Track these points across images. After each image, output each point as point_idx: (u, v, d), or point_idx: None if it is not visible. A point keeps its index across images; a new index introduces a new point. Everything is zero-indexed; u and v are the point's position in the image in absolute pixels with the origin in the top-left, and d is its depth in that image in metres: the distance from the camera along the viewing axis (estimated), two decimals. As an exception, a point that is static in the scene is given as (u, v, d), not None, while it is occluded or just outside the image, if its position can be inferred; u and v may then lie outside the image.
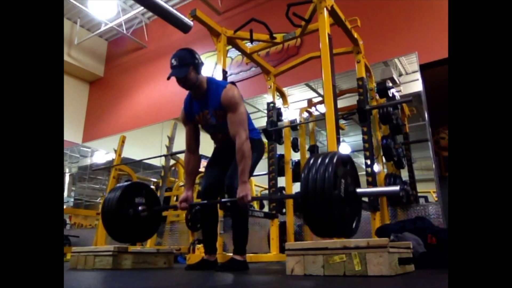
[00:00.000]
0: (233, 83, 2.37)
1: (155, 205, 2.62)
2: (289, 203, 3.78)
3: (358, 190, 1.70)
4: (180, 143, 4.59)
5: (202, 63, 2.32)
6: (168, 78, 2.26)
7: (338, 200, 1.57)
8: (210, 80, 2.37)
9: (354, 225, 1.71)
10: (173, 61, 2.27)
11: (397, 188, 1.75)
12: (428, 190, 4.65)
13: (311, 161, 1.65)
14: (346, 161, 1.71)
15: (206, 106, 2.33)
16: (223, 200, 2.34)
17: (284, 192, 3.97)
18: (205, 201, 2.36)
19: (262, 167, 4.02)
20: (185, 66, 2.24)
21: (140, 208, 2.49)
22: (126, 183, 2.59)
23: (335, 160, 1.59)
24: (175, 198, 5.32)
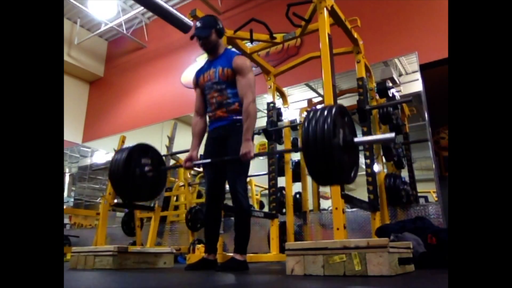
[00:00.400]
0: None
1: (160, 165, 2.69)
2: (289, 203, 3.78)
3: (356, 139, 1.75)
4: (180, 143, 4.59)
5: (223, 29, 2.55)
6: (192, 38, 2.47)
7: (337, 148, 1.62)
8: (227, 48, 2.61)
9: (352, 173, 1.75)
10: (198, 23, 2.48)
11: (392, 134, 1.82)
12: (428, 190, 4.65)
13: (311, 113, 1.70)
14: (344, 113, 1.77)
15: (215, 65, 2.49)
16: (226, 158, 2.37)
17: (284, 192, 3.97)
18: (208, 160, 2.41)
19: (262, 167, 4.02)
20: (209, 28, 2.46)
21: (146, 168, 2.54)
22: (132, 145, 2.62)
23: (333, 111, 1.65)
24: (175, 198, 5.32)
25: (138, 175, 2.50)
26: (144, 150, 2.61)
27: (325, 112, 1.65)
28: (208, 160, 2.42)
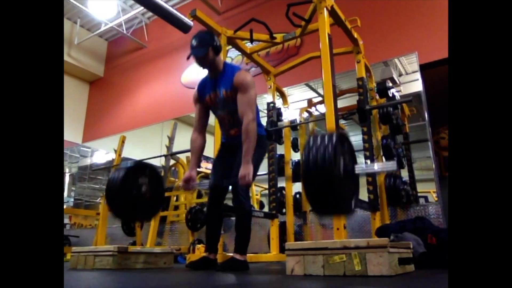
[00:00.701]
0: (247, 71, 2.44)
1: (158, 186, 2.65)
2: (289, 203, 3.78)
3: (357, 168, 1.74)
4: (180, 143, 4.59)
5: (220, 46, 2.44)
6: (188, 58, 2.39)
7: (338, 177, 1.61)
8: (226, 63, 2.49)
9: (353, 203, 1.74)
10: (193, 41, 2.37)
11: (394, 163, 1.81)
12: (428, 190, 4.65)
13: (311, 141, 1.69)
14: (344, 140, 1.75)
15: (218, 86, 2.42)
16: (225, 181, 2.36)
17: (284, 192, 3.97)
18: (206, 185, 2.42)
19: (262, 167, 4.02)
20: (205, 46, 2.34)
21: (143, 188, 2.52)
22: (130, 163, 2.61)
23: (334, 139, 1.63)
24: (175, 198, 5.32)
25: (135, 195, 2.46)
26: (142, 169, 2.57)
27: (326, 139, 1.63)
28: (206, 185, 2.39)
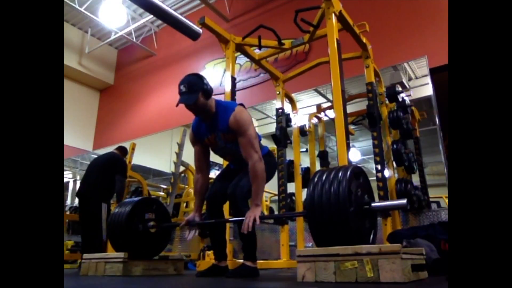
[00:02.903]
0: (242, 104, 2.34)
1: (164, 221, 2.60)
2: (299, 209, 3.76)
3: (373, 204, 1.66)
4: (189, 150, 4.60)
5: (211, 89, 2.28)
6: (177, 105, 2.24)
7: (354, 216, 1.51)
8: (219, 104, 2.34)
9: (371, 239, 1.68)
10: (181, 87, 2.22)
11: (404, 201, 1.73)
12: (440, 195, 4.59)
13: (318, 175, 1.59)
14: (359, 174, 1.65)
15: (214, 130, 2.31)
16: (230, 219, 2.32)
17: (294, 198, 3.96)
18: (212, 220, 2.34)
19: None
20: (194, 92, 2.20)
21: (150, 223, 2.48)
22: (136, 199, 2.59)
23: (348, 174, 1.52)
24: (184, 204, 5.33)
25: (140, 231, 2.42)
26: (148, 204, 2.55)
27: (340, 174, 1.52)
28: (212, 220, 2.33)
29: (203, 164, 2.44)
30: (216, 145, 2.35)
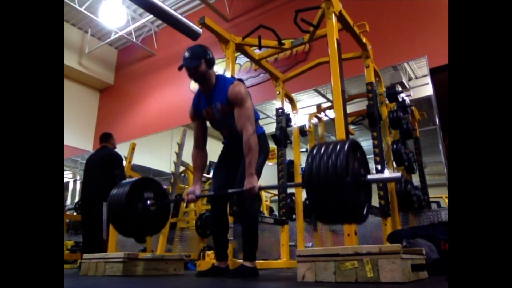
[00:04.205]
0: (240, 80, 2.43)
1: (163, 198, 2.64)
2: (299, 208, 3.76)
3: (369, 177, 1.69)
4: (189, 150, 4.60)
5: (213, 59, 2.39)
6: (180, 68, 2.34)
7: (351, 186, 1.56)
8: (219, 76, 2.44)
9: (365, 211, 1.70)
10: (186, 53, 2.33)
11: (398, 174, 1.75)
12: (440, 195, 4.59)
13: (321, 148, 1.63)
14: (357, 147, 1.70)
15: (212, 101, 2.38)
16: (230, 190, 2.31)
17: (293, 198, 3.95)
18: (212, 193, 2.38)
19: (272, 173, 4.01)
20: (197, 58, 2.30)
21: (148, 202, 2.51)
22: (134, 178, 2.61)
23: (346, 146, 1.57)
24: (184, 204, 5.32)
25: (140, 210, 2.44)
26: (146, 183, 2.56)
27: (338, 147, 1.56)
28: (211, 193, 2.36)
29: (201, 140, 2.52)
30: (214, 117, 2.42)
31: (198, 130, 2.51)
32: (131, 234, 2.49)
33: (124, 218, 2.40)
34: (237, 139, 2.30)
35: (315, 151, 1.63)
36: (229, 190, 2.29)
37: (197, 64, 2.29)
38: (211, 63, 2.35)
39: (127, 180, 2.60)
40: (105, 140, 4.42)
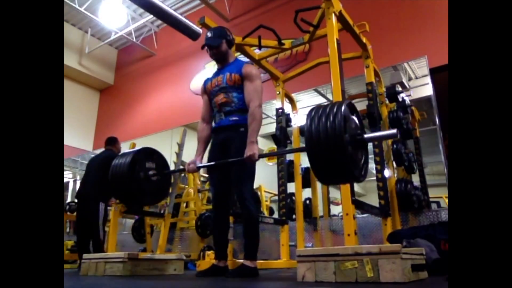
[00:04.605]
0: None
1: (164, 169, 2.68)
2: (299, 208, 3.76)
3: (366, 135, 1.75)
4: (189, 150, 4.60)
5: (233, 40, 2.62)
6: (203, 47, 2.55)
7: (349, 143, 1.61)
8: (237, 58, 2.64)
9: (363, 171, 1.75)
10: (208, 33, 2.54)
11: (394, 131, 1.80)
12: (440, 195, 4.59)
13: (319, 109, 1.67)
14: (353, 109, 1.75)
15: (224, 71, 2.52)
16: (230, 160, 2.34)
17: (293, 198, 3.95)
18: (212, 163, 2.43)
19: (272, 173, 4.02)
20: (219, 37, 2.51)
21: (150, 172, 2.55)
22: (136, 148, 2.63)
23: (343, 107, 1.62)
24: (185, 204, 5.32)
25: (142, 179, 2.50)
26: (148, 154, 2.61)
27: (334, 108, 1.62)
28: (212, 163, 2.42)
29: (208, 114, 2.64)
30: (216, 86, 2.52)
31: (206, 104, 2.64)
32: (132, 201, 2.55)
33: (126, 185, 2.44)
34: (226, 120, 2.43)
35: (313, 113, 1.68)
36: (230, 160, 2.34)
37: (219, 43, 2.50)
38: (231, 43, 2.58)
39: (130, 150, 2.64)
40: (110, 143, 4.45)
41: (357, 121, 1.76)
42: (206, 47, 2.53)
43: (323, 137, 1.59)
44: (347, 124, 1.62)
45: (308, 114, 1.73)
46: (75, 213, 6.92)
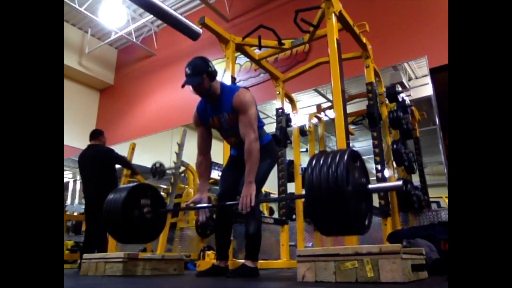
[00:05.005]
0: (246, 88, 2.41)
1: (160, 206, 2.60)
2: (299, 208, 3.76)
3: (370, 186, 1.68)
4: (189, 150, 4.60)
5: (215, 71, 2.36)
6: (183, 86, 2.30)
7: (352, 196, 1.54)
8: (224, 86, 2.42)
9: (367, 221, 1.69)
10: (187, 69, 2.30)
11: (399, 183, 1.73)
12: (440, 195, 4.59)
13: (320, 157, 1.61)
14: (356, 157, 1.68)
15: (220, 111, 2.36)
16: (228, 203, 2.32)
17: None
18: (210, 205, 2.39)
19: (272, 173, 4.02)
20: (199, 74, 2.27)
21: (145, 209, 2.48)
22: (131, 184, 2.59)
23: (346, 156, 1.55)
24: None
25: (136, 216, 2.41)
26: (144, 190, 2.54)
27: (337, 157, 1.54)
28: (210, 205, 2.36)
29: (205, 146, 2.49)
30: (221, 126, 2.40)
31: (202, 136, 2.49)
32: (124, 240, 2.47)
33: (119, 224, 2.37)
34: (243, 150, 2.27)
35: (314, 161, 1.61)
36: (227, 203, 2.30)
37: (200, 80, 2.26)
38: (213, 76, 2.31)
39: (125, 185, 2.59)
40: (95, 137, 4.38)
41: (361, 170, 1.68)
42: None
43: (325, 189, 1.51)
44: (350, 175, 1.54)
45: (309, 161, 1.66)
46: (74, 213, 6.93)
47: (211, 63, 2.34)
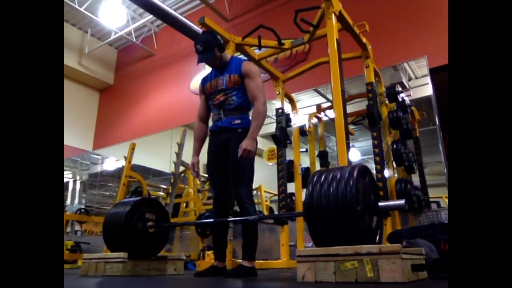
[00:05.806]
0: None
1: (164, 221, 2.61)
2: (299, 209, 3.76)
3: (380, 204, 1.66)
4: (189, 150, 4.60)
5: (224, 43, 2.55)
6: (198, 63, 2.49)
7: (361, 215, 1.51)
8: (233, 56, 2.63)
9: (377, 238, 1.68)
10: (198, 46, 2.45)
11: (402, 201, 1.74)
12: (440, 195, 4.59)
13: (316, 176, 1.56)
14: (365, 173, 1.63)
15: (223, 72, 2.51)
16: (229, 219, 2.41)
17: (293, 198, 3.95)
18: (210, 220, 2.52)
19: (272, 173, 4.02)
20: (210, 49, 2.43)
21: (148, 223, 2.50)
22: (136, 198, 2.59)
23: (355, 172, 1.50)
24: (184, 204, 5.32)
25: (139, 230, 2.43)
26: (149, 204, 2.56)
27: (346, 174, 1.49)
28: (211, 220, 2.41)
29: (205, 113, 2.68)
30: (215, 88, 2.51)
31: (204, 103, 2.65)
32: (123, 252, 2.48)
33: (120, 237, 2.38)
34: (225, 121, 2.41)
35: (315, 178, 1.57)
36: (229, 219, 2.42)
37: (212, 56, 2.43)
38: (223, 47, 2.48)
39: (129, 199, 2.60)
40: None
41: (370, 187, 1.63)
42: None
43: (333, 207, 1.46)
44: (360, 193, 1.49)
45: (310, 178, 1.63)
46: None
47: (219, 35, 2.54)
